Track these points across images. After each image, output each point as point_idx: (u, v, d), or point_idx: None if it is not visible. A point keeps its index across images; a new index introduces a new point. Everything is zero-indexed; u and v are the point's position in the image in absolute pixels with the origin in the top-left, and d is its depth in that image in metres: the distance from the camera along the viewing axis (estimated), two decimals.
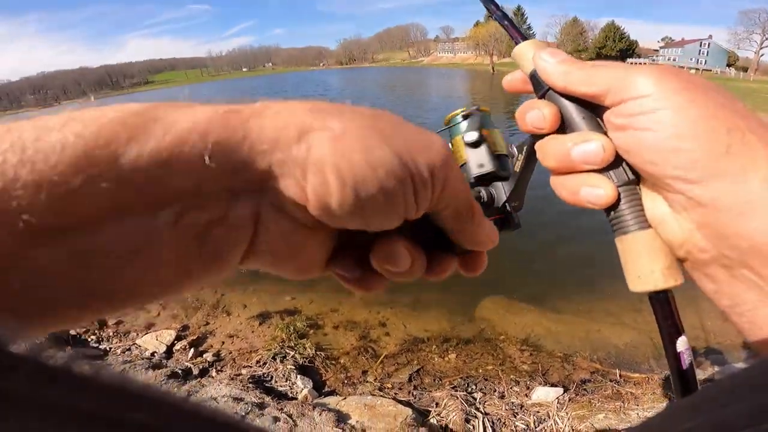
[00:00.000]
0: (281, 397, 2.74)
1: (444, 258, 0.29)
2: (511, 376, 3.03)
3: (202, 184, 0.19)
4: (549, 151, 0.31)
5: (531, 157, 0.35)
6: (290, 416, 2.39)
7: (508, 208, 0.41)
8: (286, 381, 2.94)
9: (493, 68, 64.69)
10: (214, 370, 3.19)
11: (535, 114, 0.32)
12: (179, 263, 0.20)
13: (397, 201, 0.21)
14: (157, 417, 0.12)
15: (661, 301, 0.29)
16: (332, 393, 2.91)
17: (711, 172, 0.24)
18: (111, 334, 3.87)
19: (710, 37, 73.87)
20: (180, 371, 3.06)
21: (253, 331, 3.80)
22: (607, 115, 0.29)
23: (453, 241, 0.28)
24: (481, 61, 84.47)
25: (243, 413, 2.40)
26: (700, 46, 73.13)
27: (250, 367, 3.17)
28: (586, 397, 2.58)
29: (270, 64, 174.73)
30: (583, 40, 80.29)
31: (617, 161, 0.29)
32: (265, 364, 3.16)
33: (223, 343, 3.68)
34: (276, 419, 2.35)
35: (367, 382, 3.06)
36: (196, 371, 3.15)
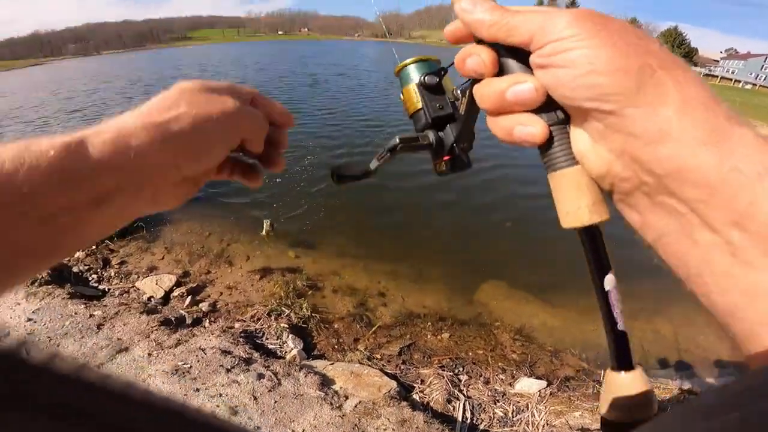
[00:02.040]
0: (270, 354, 2.79)
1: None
2: (499, 363, 3.03)
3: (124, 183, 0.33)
4: (485, 94, 0.33)
5: (474, 100, 0.36)
6: (275, 374, 2.44)
7: (456, 149, 0.44)
8: (277, 339, 2.99)
9: None
10: (208, 320, 3.24)
11: (475, 60, 0.33)
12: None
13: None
14: (159, 424, 0.13)
15: (590, 237, 0.31)
16: (321, 356, 2.96)
17: (624, 104, 0.26)
18: (112, 274, 3.92)
19: None
20: (173, 318, 3.11)
21: (252, 285, 3.85)
22: (531, 58, 0.31)
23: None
24: None
25: (229, 366, 2.45)
26: (764, 61, 69.23)
27: (244, 321, 3.22)
28: (567, 393, 2.58)
29: (306, 29, 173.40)
30: None
31: (548, 103, 0.31)
32: (259, 320, 3.21)
33: (221, 294, 3.72)
34: (261, 376, 2.40)
35: (357, 350, 3.10)
36: (189, 320, 3.20)
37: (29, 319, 2.87)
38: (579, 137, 0.31)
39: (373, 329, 3.36)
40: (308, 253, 4.51)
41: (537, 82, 0.30)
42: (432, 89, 0.44)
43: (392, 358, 3.04)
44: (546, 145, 0.31)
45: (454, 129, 0.43)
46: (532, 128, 0.31)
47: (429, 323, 3.52)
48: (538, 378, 2.75)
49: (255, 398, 2.24)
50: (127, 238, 4.55)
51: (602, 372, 2.93)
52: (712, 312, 0.26)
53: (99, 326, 2.81)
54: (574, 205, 0.30)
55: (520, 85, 0.31)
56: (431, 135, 0.44)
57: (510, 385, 2.70)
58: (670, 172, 0.25)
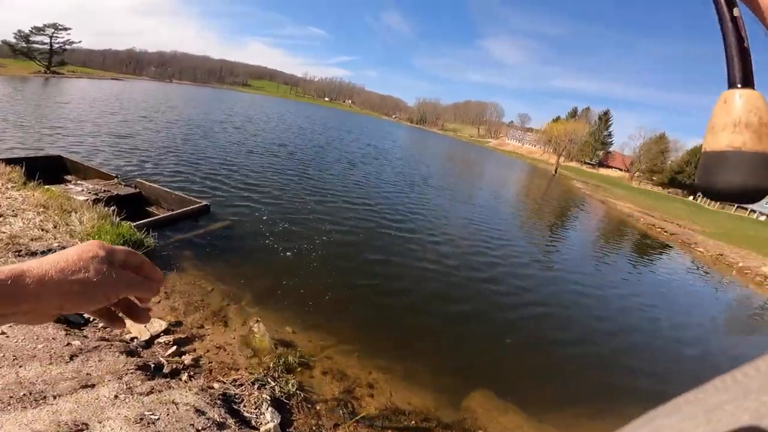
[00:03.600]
0: (244, 423, 2.68)
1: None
2: None
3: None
4: None
5: None
6: None
7: None
8: (255, 409, 2.88)
9: (556, 169, 60.11)
10: (187, 374, 3.14)
11: None
12: None
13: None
14: None
15: None
16: None
17: None
18: None
19: None
20: (152, 365, 3.01)
21: (242, 350, 3.76)
22: None
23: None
24: (546, 159, 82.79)
25: (200, 428, 2.35)
26: None
27: (224, 383, 3.13)
28: None
29: (350, 101, 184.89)
30: (661, 160, 77.15)
31: None
32: (241, 385, 3.12)
33: (208, 350, 3.65)
34: None
35: None
36: (167, 369, 3.11)
37: (2, 333, 2.76)
38: None
39: (356, 418, 3.25)
40: (306, 332, 4.48)
41: None
42: None
43: None
44: None
45: None
46: None
47: (413, 421, 3.44)
48: None
49: None
50: None
51: None
52: None
53: (72, 356, 2.71)
54: None
55: None
56: None
57: None
58: None
